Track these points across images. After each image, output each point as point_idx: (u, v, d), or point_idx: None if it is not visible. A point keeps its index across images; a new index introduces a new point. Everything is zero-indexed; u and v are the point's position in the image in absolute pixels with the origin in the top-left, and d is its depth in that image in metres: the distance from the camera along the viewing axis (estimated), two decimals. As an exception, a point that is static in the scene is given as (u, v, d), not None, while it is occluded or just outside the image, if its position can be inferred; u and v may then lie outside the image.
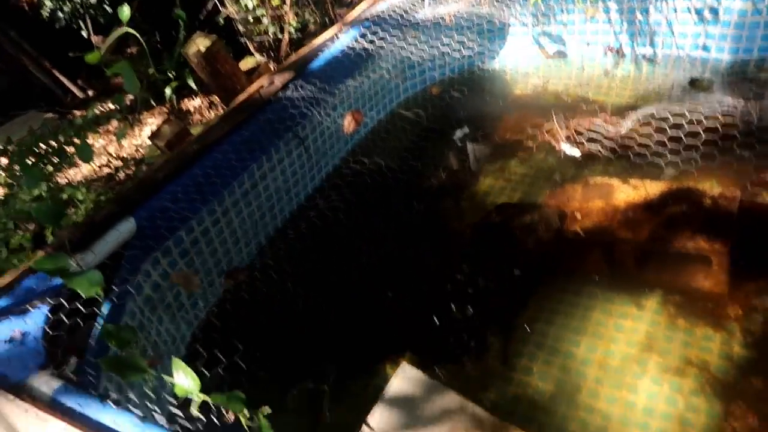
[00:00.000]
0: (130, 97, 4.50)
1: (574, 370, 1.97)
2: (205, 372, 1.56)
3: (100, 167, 3.88)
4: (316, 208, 2.47)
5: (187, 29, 4.13)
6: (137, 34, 1.85)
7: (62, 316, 1.61)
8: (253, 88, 2.33)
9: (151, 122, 4.28)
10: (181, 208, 1.99)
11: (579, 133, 2.25)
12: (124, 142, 4.11)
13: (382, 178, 2.66)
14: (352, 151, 2.79)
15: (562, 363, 2.00)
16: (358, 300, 2.29)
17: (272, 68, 3.39)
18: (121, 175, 3.51)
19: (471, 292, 2.24)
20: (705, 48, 2.77)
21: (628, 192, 2.24)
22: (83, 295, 1.70)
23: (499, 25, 3.11)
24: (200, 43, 3.06)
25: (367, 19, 2.98)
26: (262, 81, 2.49)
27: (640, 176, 2.39)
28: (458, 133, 2.81)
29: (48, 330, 1.60)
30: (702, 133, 2.06)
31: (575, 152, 2.22)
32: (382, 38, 2.75)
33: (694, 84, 2.53)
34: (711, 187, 2.19)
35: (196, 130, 3.68)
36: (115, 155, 3.98)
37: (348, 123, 2.08)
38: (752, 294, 2.01)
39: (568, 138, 2.23)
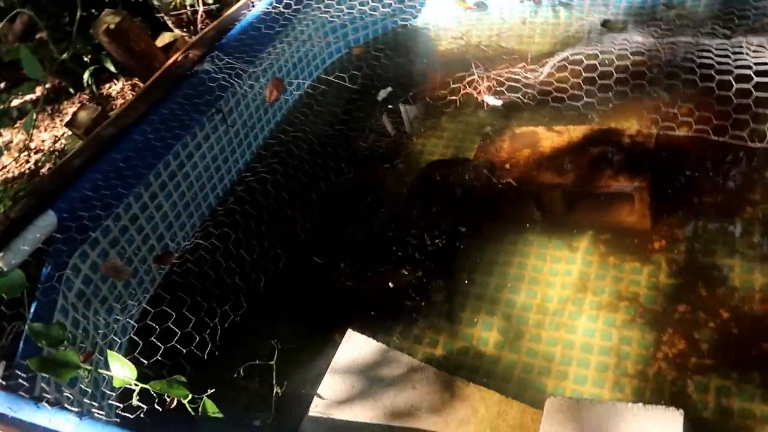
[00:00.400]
0: (48, 86, 4.25)
1: (515, 317, 2.03)
2: (143, 360, 1.52)
3: (19, 163, 3.68)
4: (248, 184, 2.42)
5: (97, 8, 3.91)
6: (32, 14, 1.73)
7: (-15, 321, 1.54)
8: (168, 64, 2.23)
9: (72, 111, 4.07)
10: (103, 196, 1.91)
11: (499, 83, 2.28)
12: (45, 135, 3.90)
13: (313, 147, 2.63)
14: (280, 122, 2.73)
15: (503, 311, 2.06)
16: (299, 273, 2.28)
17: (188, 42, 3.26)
18: (44, 169, 3.33)
19: (411, 253, 2.26)
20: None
21: (553, 138, 2.29)
22: (5, 297, 1.63)
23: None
24: (109, 20, 2.90)
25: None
26: (178, 55, 2.39)
27: (564, 122, 2.44)
28: (382, 93, 2.79)
29: (-29, 337, 1.53)
30: (614, 72, 2.11)
31: (497, 102, 2.25)
32: (298, 2, 2.68)
33: (607, 25, 2.59)
34: (629, 127, 2.27)
35: (116, 114, 3.52)
36: (34, 149, 3.78)
37: (270, 92, 2.03)
38: (674, 225, 2.10)
39: (489, 89, 2.24)
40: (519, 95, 2.23)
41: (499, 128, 2.58)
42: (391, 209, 2.43)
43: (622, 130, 2.22)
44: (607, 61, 2.11)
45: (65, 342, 1.46)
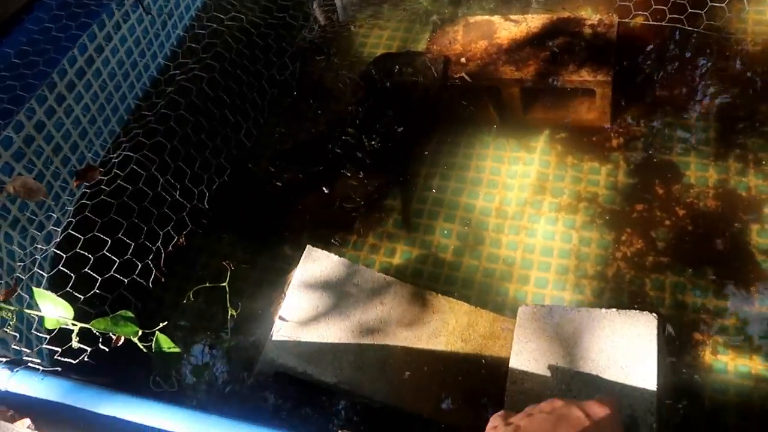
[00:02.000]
0: None
1: (474, 222, 1.96)
2: (78, 296, 1.33)
3: None
4: (172, 80, 2.12)
5: None
6: None
7: None
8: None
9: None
10: (1, 101, 1.59)
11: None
12: None
13: (244, 37, 2.32)
14: (203, 6, 2.38)
15: (462, 216, 1.98)
16: (245, 184, 2.08)
17: None
18: None
19: (362, 158, 2.10)
20: None
21: (511, 28, 2.13)
22: None
23: None
24: None
25: None
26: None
27: (520, 10, 2.27)
28: None
29: None
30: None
31: None
32: None
33: None
34: (590, 15, 2.13)
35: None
36: None
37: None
38: (632, 121, 2.06)
39: None
40: None
41: (449, 17, 2.38)
42: (336, 109, 2.23)
43: (584, 19, 2.09)
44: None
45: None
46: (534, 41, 2.07)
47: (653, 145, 1.99)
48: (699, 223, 1.82)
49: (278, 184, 2.05)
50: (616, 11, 2.17)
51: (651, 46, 2.12)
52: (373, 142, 2.12)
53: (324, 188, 2.03)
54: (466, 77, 2.06)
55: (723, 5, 2.13)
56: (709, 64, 2.10)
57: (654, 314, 1.39)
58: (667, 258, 1.78)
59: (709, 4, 2.13)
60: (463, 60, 2.09)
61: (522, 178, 2.02)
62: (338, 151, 2.10)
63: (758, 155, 1.90)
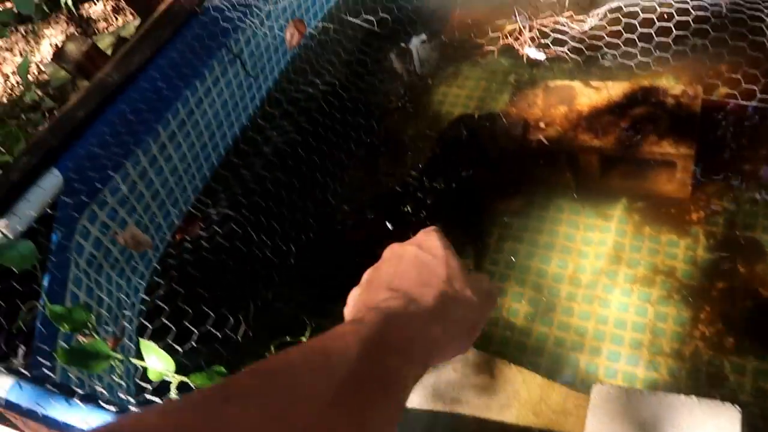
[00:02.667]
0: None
1: (546, 288, 1.97)
2: (178, 348, 1.42)
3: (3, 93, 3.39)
4: (260, 130, 2.25)
5: None
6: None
7: (-5, 297, 1.41)
8: None
9: (49, 34, 3.73)
10: (113, 153, 1.74)
11: (544, 35, 2.09)
12: (20, 59, 3.58)
13: (328, 90, 2.44)
14: (291, 62, 2.51)
15: (534, 281, 1.99)
16: (322, 232, 2.17)
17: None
18: (27, 99, 3.08)
19: (438, 215, 2.16)
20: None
21: (591, 95, 2.15)
22: (16, 271, 1.50)
23: None
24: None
25: None
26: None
27: (601, 77, 2.29)
28: (415, 41, 2.58)
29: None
30: (673, 28, 1.94)
31: (540, 56, 2.08)
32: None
33: None
34: (672, 86, 2.13)
35: (104, 43, 3.23)
36: (13, 75, 3.48)
37: (291, 35, 1.82)
38: (713, 195, 2.03)
39: (532, 39, 2.06)
40: (565, 49, 2.06)
41: (528, 79, 2.42)
42: (415, 167, 2.30)
43: (666, 89, 2.08)
44: (666, 15, 1.94)
45: (89, 325, 1.35)
46: (615, 109, 2.09)
47: (735, 221, 1.96)
48: (783, 307, 1.77)
49: (358, 240, 2.13)
50: (700, 83, 2.16)
51: (735, 121, 2.10)
52: (449, 200, 2.17)
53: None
54: (544, 141, 2.09)
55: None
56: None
57: (737, 407, 1.36)
58: (748, 341, 1.74)
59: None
60: (542, 124, 2.12)
61: (597, 246, 2.02)
62: (415, 207, 2.16)
63: None
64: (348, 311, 0.54)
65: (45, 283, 1.52)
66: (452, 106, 2.53)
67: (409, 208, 2.15)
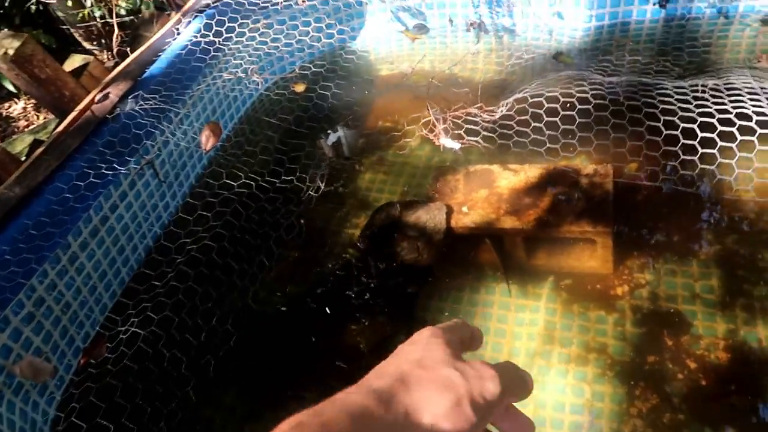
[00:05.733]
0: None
1: (482, 374, 1.93)
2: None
3: None
4: (175, 239, 2.17)
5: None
6: None
7: None
8: (83, 105, 1.94)
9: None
10: (11, 273, 1.63)
11: (457, 126, 2.16)
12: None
13: (247, 191, 2.40)
14: (207, 165, 2.48)
15: (469, 368, 1.95)
16: (253, 348, 2.07)
17: (105, 64, 2.92)
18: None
19: (367, 303, 2.11)
20: (560, 15, 2.77)
21: (509, 177, 2.21)
22: None
23: (355, 2, 2.90)
24: (7, 44, 2.54)
25: (209, 5, 2.63)
26: (94, 94, 2.10)
27: (518, 160, 2.36)
28: (332, 138, 2.61)
29: None
30: (576, 116, 2.04)
31: (455, 146, 2.13)
32: (230, 29, 2.44)
33: (559, 58, 2.54)
34: (585, 165, 2.22)
35: (20, 145, 3.12)
36: None
37: (206, 138, 1.80)
38: (634, 270, 2.08)
39: (446, 131, 2.12)
40: (478, 138, 2.12)
41: (449, 165, 2.47)
42: (342, 257, 2.27)
43: (579, 169, 2.16)
44: (568, 104, 2.04)
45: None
46: (532, 191, 2.14)
47: (658, 293, 2.00)
48: (712, 377, 1.79)
49: (285, 340, 2.05)
50: (611, 160, 2.25)
51: (645, 197, 2.19)
52: (377, 289, 2.14)
53: (331, 344, 2.02)
54: (469, 225, 2.10)
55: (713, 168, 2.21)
56: (706, 212, 2.16)
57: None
58: (683, 415, 1.73)
59: (699, 166, 2.21)
60: (464, 209, 2.14)
61: (529, 327, 2.01)
62: (345, 299, 2.11)
63: (765, 304, 1.90)
64: None
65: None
66: (378, 193, 2.55)
67: (336, 300, 2.10)
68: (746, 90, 2.04)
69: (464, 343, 0.61)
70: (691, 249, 2.09)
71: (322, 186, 2.50)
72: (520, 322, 2.03)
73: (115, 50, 2.49)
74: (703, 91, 1.90)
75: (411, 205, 2.20)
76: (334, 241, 2.38)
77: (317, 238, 2.39)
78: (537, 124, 2.03)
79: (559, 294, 2.07)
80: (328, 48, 2.90)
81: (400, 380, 0.52)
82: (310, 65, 2.93)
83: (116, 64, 2.47)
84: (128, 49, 2.54)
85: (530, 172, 2.20)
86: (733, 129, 1.94)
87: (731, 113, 1.97)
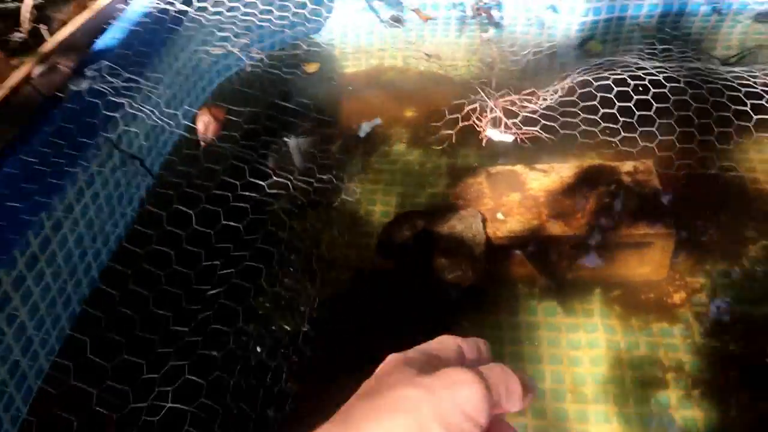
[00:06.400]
0: None
1: (550, 413, 1.60)
2: None
3: None
4: (143, 241, 1.63)
5: None
6: None
7: None
8: (17, 80, 1.36)
9: None
10: None
11: (507, 114, 1.83)
12: None
13: (219, 191, 1.89)
14: (170, 153, 1.94)
15: (533, 406, 1.62)
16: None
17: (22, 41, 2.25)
18: None
19: (393, 343, 1.70)
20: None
21: (540, 179, 1.93)
22: None
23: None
24: None
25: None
26: (29, 68, 1.52)
27: (539, 159, 2.09)
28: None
29: None
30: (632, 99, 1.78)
31: (506, 138, 1.81)
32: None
33: (587, 46, 2.28)
34: (623, 163, 1.98)
35: None
36: None
37: (205, 126, 1.32)
38: (687, 273, 1.87)
39: (494, 122, 1.79)
40: (538, 128, 1.81)
41: (468, 167, 2.13)
42: (356, 291, 1.83)
43: (615, 167, 1.94)
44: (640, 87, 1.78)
45: None
46: (572, 192, 1.88)
47: (715, 296, 1.81)
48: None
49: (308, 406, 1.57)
50: (650, 157, 2.02)
51: (696, 191, 2.01)
52: (401, 324, 1.74)
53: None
54: (510, 235, 1.79)
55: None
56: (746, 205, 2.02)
57: None
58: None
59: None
60: (500, 215, 1.83)
61: (589, 349, 1.72)
62: (368, 334, 1.69)
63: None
64: None
65: None
66: (371, 204, 2.15)
67: (364, 339, 1.67)
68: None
69: (449, 360, 0.46)
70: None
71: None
72: (575, 345, 1.73)
73: (26, 26, 1.87)
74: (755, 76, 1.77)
75: (438, 214, 1.83)
76: (333, 265, 1.94)
77: (302, 263, 1.92)
78: (608, 110, 1.76)
79: (612, 308, 1.81)
80: (291, 37, 2.47)
81: (343, 421, 0.40)
82: (274, 55, 2.47)
83: (25, 43, 1.88)
84: (40, 26, 1.94)
85: (563, 172, 1.94)
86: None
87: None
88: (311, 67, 2.31)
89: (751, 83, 1.81)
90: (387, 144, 2.35)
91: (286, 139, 2.32)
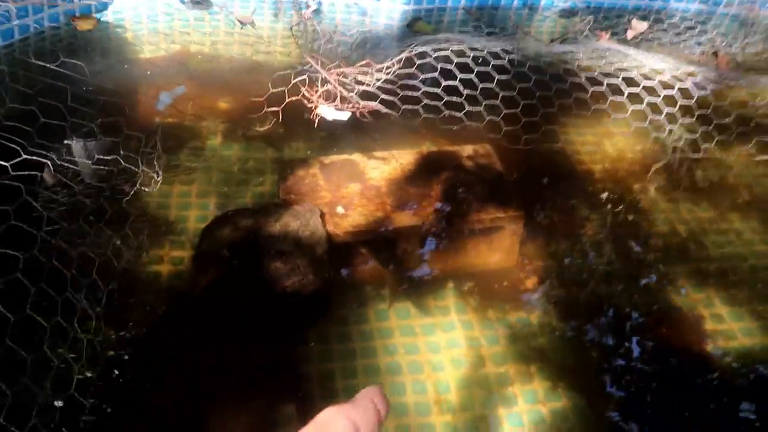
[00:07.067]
0: None
1: (415, 428, 1.38)
2: None
3: None
4: None
5: None
6: None
7: None
8: None
9: None
10: None
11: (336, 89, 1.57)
12: None
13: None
14: None
15: (398, 424, 1.38)
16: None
17: None
18: None
19: (233, 379, 1.36)
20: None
21: (380, 167, 1.72)
22: None
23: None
24: None
25: None
26: None
27: (378, 144, 1.89)
28: (76, 143, 1.74)
29: None
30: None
31: (341, 116, 1.56)
32: None
33: (415, 26, 2.11)
34: (462, 147, 1.85)
35: None
36: None
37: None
38: (535, 256, 1.78)
39: (326, 96, 1.53)
40: (378, 102, 1.57)
41: (296, 159, 1.85)
42: (168, 319, 1.44)
43: (455, 151, 1.80)
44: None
45: None
46: (415, 180, 1.70)
47: (563, 278, 1.74)
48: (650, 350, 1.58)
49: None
50: (485, 141, 1.93)
51: (534, 167, 1.92)
52: (243, 343, 1.40)
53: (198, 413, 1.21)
54: (352, 229, 1.55)
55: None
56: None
57: None
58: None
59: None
60: (340, 209, 1.58)
61: (449, 351, 1.54)
62: (202, 363, 1.32)
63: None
64: None
65: None
66: (182, 209, 1.77)
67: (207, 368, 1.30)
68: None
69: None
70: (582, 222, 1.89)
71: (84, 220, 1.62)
72: (434, 348, 1.54)
73: None
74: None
75: (267, 211, 1.52)
76: (134, 289, 1.53)
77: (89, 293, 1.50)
78: (451, 82, 1.59)
79: (467, 301, 1.65)
80: (65, 13, 1.97)
81: None
82: (39, 35, 1.97)
83: None
84: None
85: (402, 159, 1.75)
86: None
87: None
88: (85, 24, 1.85)
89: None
90: (198, 139, 1.98)
91: (67, 141, 1.85)
